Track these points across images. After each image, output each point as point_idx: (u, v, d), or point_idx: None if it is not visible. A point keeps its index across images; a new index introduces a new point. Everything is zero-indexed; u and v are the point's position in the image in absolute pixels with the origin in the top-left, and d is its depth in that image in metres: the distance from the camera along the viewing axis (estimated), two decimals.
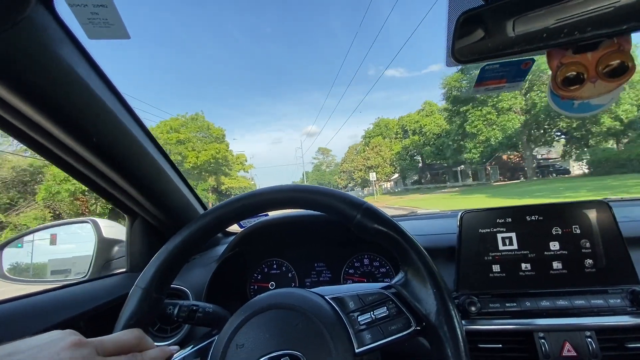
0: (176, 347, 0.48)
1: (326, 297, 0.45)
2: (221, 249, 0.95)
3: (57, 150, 0.59)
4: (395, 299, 0.45)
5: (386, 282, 0.86)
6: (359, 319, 0.43)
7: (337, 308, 0.44)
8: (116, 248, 0.98)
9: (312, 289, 0.48)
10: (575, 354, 0.59)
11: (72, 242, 1.04)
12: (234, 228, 1.06)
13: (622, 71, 0.46)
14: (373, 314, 0.43)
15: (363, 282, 0.90)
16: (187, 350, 0.44)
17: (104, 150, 0.61)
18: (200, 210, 0.95)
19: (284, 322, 0.42)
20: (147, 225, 0.88)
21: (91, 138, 0.57)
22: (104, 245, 0.96)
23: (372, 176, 28.61)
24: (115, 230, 0.99)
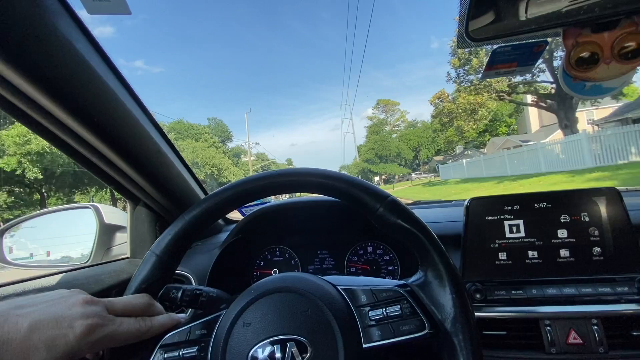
0: (184, 315, 0.48)
1: (338, 287, 0.44)
2: (223, 236, 0.94)
3: (57, 131, 0.58)
4: (411, 298, 0.43)
5: (391, 269, 0.87)
6: (370, 314, 0.42)
7: (348, 299, 0.43)
8: (117, 234, 0.97)
9: (325, 277, 0.47)
10: (580, 341, 0.58)
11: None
12: (237, 216, 1.05)
13: (638, 53, 0.45)
14: (385, 311, 0.42)
15: (366, 269, 0.90)
16: (195, 322, 0.44)
17: (105, 131, 0.59)
18: (202, 196, 0.94)
19: (293, 306, 0.41)
20: (149, 211, 0.88)
21: (92, 118, 0.55)
22: (106, 231, 0.95)
23: None
24: (117, 216, 0.99)
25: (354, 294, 0.44)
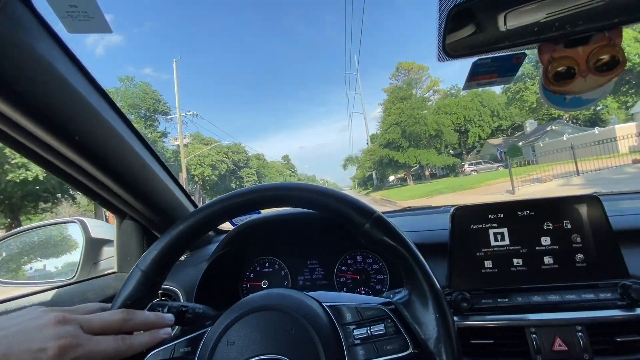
0: (167, 330, 0.47)
1: (323, 305, 0.44)
2: (212, 247, 0.93)
3: (37, 148, 0.57)
4: (395, 317, 0.43)
5: (380, 278, 0.87)
6: (354, 332, 0.42)
7: (333, 317, 0.43)
8: (105, 248, 0.96)
9: (311, 293, 0.47)
10: (566, 348, 0.59)
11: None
12: (226, 226, 1.04)
13: (613, 65, 0.46)
14: (369, 329, 0.42)
15: (356, 279, 0.90)
16: (179, 340, 0.44)
17: (88, 149, 0.59)
18: (191, 209, 0.93)
19: (277, 325, 0.41)
20: (136, 224, 0.87)
21: (73, 136, 0.55)
22: (92, 245, 0.94)
23: None
24: (104, 229, 0.97)
25: (339, 312, 0.44)
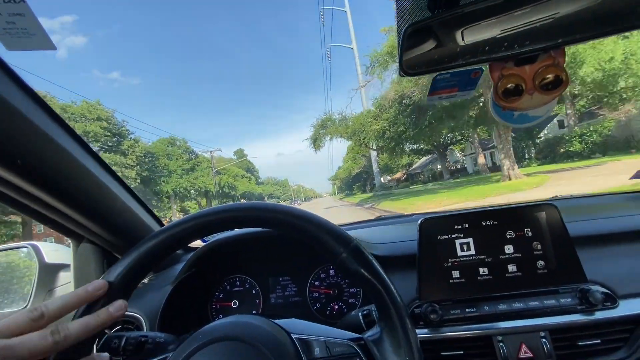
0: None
1: (292, 336, 0.43)
2: (179, 267, 0.89)
3: None
4: (364, 355, 0.42)
5: (353, 292, 0.86)
6: None
7: (300, 351, 0.41)
8: (61, 273, 0.89)
9: (280, 321, 0.45)
10: (531, 355, 0.60)
11: None
12: (196, 243, 1.00)
13: (557, 84, 0.48)
14: None
15: (329, 294, 0.88)
16: None
17: (33, 172, 0.55)
18: (155, 227, 0.89)
19: (240, 357, 0.39)
20: (95, 247, 0.82)
21: (14, 159, 0.51)
22: (47, 271, 0.87)
23: None
24: (60, 254, 0.91)
25: (308, 346, 0.42)
